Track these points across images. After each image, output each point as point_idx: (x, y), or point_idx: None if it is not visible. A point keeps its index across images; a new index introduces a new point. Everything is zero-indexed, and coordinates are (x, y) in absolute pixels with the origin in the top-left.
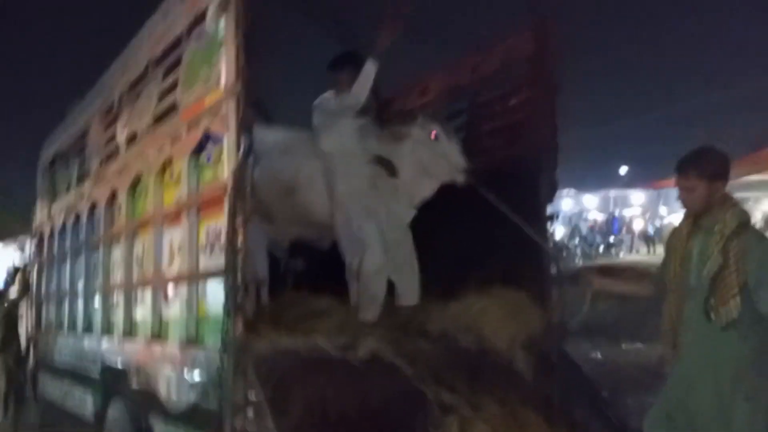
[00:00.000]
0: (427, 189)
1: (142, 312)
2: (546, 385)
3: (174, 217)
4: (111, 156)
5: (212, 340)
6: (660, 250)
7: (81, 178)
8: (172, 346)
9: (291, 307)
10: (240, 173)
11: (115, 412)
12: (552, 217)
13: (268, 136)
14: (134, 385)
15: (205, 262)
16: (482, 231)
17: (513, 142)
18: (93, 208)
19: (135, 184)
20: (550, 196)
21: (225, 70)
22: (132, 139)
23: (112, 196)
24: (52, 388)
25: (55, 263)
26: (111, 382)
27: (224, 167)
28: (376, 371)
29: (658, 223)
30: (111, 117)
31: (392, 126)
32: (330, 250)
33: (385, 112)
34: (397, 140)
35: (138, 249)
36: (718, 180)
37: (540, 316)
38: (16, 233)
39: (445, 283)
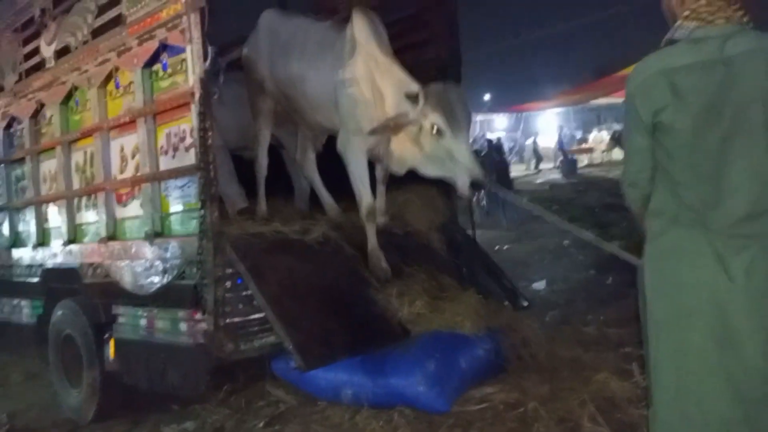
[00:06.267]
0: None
1: (94, 215)
2: (455, 258)
3: (125, 125)
4: (32, 71)
5: (184, 229)
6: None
7: None
8: (135, 240)
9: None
10: (207, 80)
11: (64, 311)
12: None
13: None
14: (90, 282)
15: (168, 162)
16: None
17: (420, 55)
18: (11, 123)
19: (68, 97)
20: None
21: None
22: (62, 53)
23: (38, 110)
24: None
25: None
26: (57, 284)
27: (187, 76)
28: (328, 250)
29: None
30: (31, 32)
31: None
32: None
33: None
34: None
35: (78, 158)
36: None
37: (448, 206)
38: None
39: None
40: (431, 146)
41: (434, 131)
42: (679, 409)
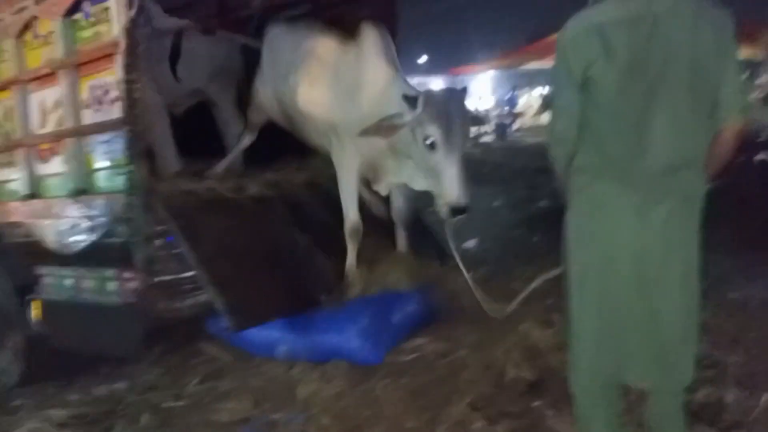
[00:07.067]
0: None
1: (13, 172)
2: (388, 220)
3: (45, 78)
4: None
5: (111, 186)
6: None
7: None
8: (59, 198)
9: None
10: (133, 30)
11: None
12: None
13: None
14: (10, 242)
15: (93, 117)
16: None
17: (354, 13)
18: None
19: None
20: None
21: None
22: None
23: None
24: None
25: None
26: None
27: (111, 25)
28: (262, 209)
29: None
30: None
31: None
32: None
33: None
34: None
35: None
36: None
37: None
38: None
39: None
40: (420, 157)
41: (427, 142)
42: (600, 353)
